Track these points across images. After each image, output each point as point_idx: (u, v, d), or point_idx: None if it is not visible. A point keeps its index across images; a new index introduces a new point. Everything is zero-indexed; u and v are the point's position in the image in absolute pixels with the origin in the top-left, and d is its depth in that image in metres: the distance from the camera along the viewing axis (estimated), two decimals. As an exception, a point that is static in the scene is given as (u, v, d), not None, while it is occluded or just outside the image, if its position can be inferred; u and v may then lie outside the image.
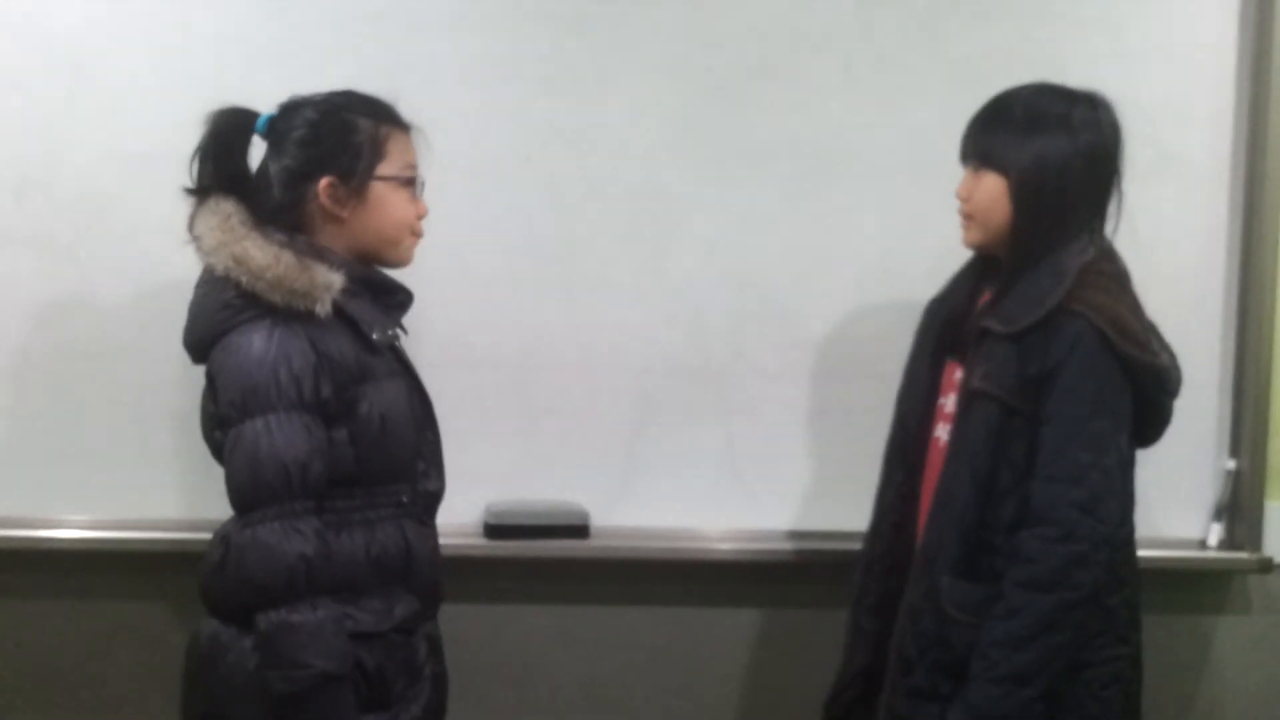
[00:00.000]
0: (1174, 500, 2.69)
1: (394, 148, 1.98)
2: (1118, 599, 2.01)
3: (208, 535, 2.05)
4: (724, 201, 2.60)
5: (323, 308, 1.88)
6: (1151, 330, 2.02)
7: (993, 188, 2.02)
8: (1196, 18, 2.63)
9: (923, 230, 2.55)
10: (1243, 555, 2.69)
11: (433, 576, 2.08)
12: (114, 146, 2.44)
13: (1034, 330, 1.94)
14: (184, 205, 1.96)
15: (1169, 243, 2.64)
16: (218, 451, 1.95)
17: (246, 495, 1.85)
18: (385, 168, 1.97)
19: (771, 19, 2.58)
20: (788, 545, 2.64)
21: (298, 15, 2.47)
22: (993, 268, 2.11)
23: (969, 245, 2.12)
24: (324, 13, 2.48)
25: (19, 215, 2.46)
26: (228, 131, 1.96)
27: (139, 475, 2.51)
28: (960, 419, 2.02)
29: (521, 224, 2.56)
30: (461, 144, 2.48)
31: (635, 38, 2.56)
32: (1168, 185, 2.63)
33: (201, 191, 1.96)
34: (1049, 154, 1.98)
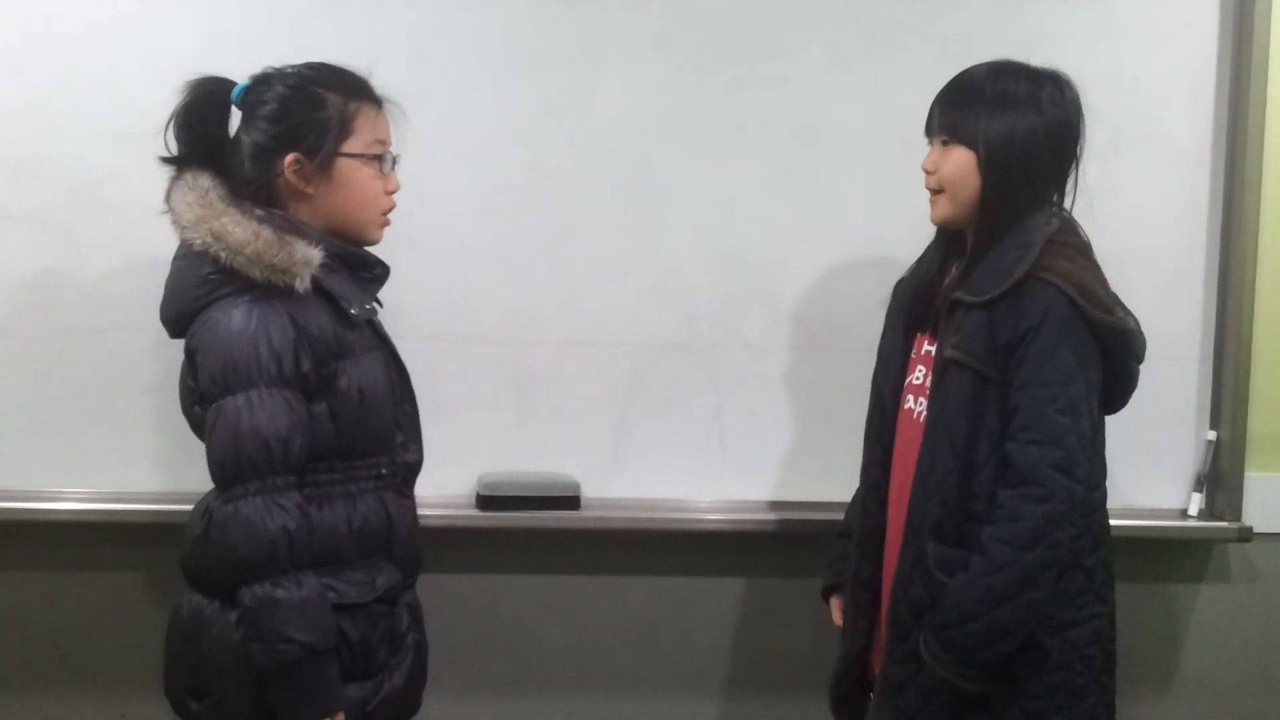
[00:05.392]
0: (1155, 470, 2.72)
1: (362, 123, 1.97)
2: (1095, 559, 2.05)
3: (189, 507, 2.07)
4: (712, 178, 2.62)
5: (302, 283, 1.88)
6: (1115, 299, 2.04)
7: (962, 161, 2.05)
8: (1179, -5, 2.66)
9: (908, 206, 2.54)
10: (1223, 524, 2.71)
11: (412, 546, 2.10)
12: (108, 125, 2.46)
13: (1003, 299, 1.98)
14: (166, 177, 1.96)
15: (1150, 217, 2.67)
16: (197, 426, 1.96)
17: (228, 471, 1.85)
18: (352, 144, 1.95)
19: (759, -4, 2.60)
20: (774, 516, 2.66)
21: (289, -6, 2.49)
22: (957, 245, 2.15)
23: (936, 220, 2.14)
24: (315, -9, 2.50)
25: (14, 193, 2.48)
26: (203, 100, 1.95)
27: (131, 449, 2.54)
28: (935, 390, 2.05)
29: (511, 201, 2.58)
30: (451, 122, 2.52)
31: (624, 16, 2.57)
32: (1149, 161, 2.65)
33: (178, 162, 1.95)
34: (1018, 130, 2.02)
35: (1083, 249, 2.04)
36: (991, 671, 1.98)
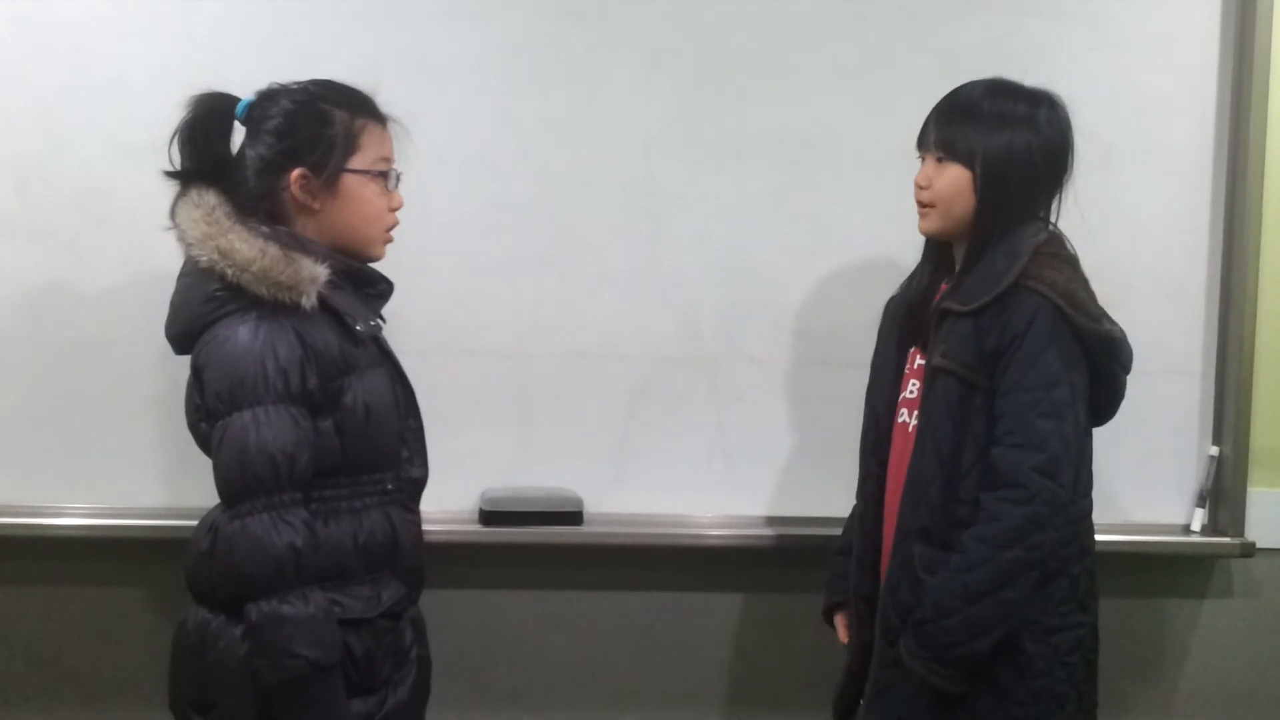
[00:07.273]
0: (1157, 486, 2.73)
1: (368, 140, 1.97)
2: (1080, 568, 2.06)
3: (193, 522, 2.07)
4: (714, 191, 2.62)
5: (308, 300, 1.88)
6: (1103, 311, 2.06)
7: (957, 179, 2.07)
8: (1180, 10, 2.66)
9: (909, 218, 2.54)
10: (1225, 540, 2.71)
11: (417, 562, 2.10)
12: (114, 138, 2.46)
13: (991, 307, 2.00)
14: (171, 192, 1.96)
15: (1152, 230, 2.67)
16: (203, 442, 1.96)
17: (235, 487, 1.85)
18: (357, 161, 1.96)
19: (761, 10, 2.60)
20: (778, 531, 2.66)
21: (294, 7, 2.50)
22: (947, 259, 2.18)
23: (925, 232, 2.16)
24: (320, 4, 2.51)
25: (20, 207, 2.48)
26: (207, 116, 1.95)
27: (135, 464, 2.54)
28: (924, 399, 2.07)
29: (515, 215, 2.58)
30: (454, 135, 2.52)
31: (627, 28, 2.58)
32: (1151, 175, 2.66)
33: (182, 177, 1.95)
34: (1015, 150, 2.04)
35: (1071, 261, 2.07)
36: (967, 670, 1.99)
